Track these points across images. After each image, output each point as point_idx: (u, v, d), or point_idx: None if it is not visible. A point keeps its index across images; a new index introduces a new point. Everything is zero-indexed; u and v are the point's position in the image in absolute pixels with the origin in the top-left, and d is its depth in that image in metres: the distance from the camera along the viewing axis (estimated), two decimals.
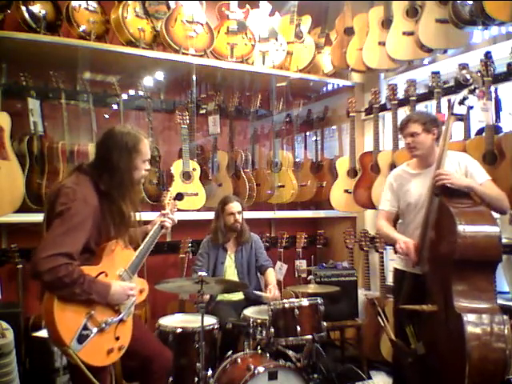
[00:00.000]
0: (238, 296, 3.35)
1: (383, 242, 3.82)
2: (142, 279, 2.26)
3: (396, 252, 2.72)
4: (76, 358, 1.82)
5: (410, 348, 2.49)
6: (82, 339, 1.86)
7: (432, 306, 2.35)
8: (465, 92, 2.46)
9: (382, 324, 2.71)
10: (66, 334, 1.82)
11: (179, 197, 2.56)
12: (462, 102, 2.48)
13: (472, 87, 2.46)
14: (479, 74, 2.92)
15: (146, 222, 2.43)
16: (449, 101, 3.43)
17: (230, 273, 3.40)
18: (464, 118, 3.07)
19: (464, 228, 2.22)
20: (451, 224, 2.25)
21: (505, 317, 2.14)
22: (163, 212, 2.46)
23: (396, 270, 2.83)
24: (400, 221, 2.83)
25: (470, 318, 2.13)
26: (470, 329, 2.10)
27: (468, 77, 2.54)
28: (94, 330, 1.91)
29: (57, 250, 1.82)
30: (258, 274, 3.50)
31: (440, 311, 2.31)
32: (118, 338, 2.02)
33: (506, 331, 2.10)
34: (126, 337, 2.08)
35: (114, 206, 2.06)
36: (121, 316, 2.04)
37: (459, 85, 2.60)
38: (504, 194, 2.47)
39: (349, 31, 4.22)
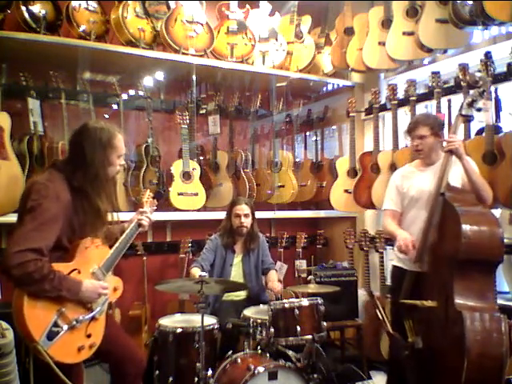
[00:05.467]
0: (240, 296, 3.34)
1: (383, 242, 3.82)
2: (117, 277, 2.23)
3: (397, 248, 2.72)
4: (45, 355, 1.81)
5: (407, 341, 2.51)
6: (51, 336, 1.85)
7: (432, 302, 2.38)
8: (475, 94, 2.48)
9: (379, 316, 2.72)
10: (36, 330, 1.81)
11: (158, 195, 2.54)
12: (471, 104, 2.49)
13: (481, 89, 2.48)
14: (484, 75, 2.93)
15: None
16: (449, 101, 3.45)
17: (237, 275, 3.38)
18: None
19: (468, 228, 2.24)
20: (456, 223, 2.27)
21: (502, 315, 2.18)
22: (141, 210, 2.43)
23: (394, 268, 2.84)
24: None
25: (469, 315, 2.16)
26: (469, 326, 2.14)
27: (478, 76, 2.54)
28: (65, 327, 1.90)
29: (26, 245, 1.82)
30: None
31: (440, 308, 2.34)
32: (89, 336, 2.01)
33: (503, 329, 2.14)
34: (97, 335, 2.06)
35: (88, 203, 2.05)
36: (93, 314, 2.02)
37: (469, 83, 2.61)
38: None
39: (349, 31, 4.22)
